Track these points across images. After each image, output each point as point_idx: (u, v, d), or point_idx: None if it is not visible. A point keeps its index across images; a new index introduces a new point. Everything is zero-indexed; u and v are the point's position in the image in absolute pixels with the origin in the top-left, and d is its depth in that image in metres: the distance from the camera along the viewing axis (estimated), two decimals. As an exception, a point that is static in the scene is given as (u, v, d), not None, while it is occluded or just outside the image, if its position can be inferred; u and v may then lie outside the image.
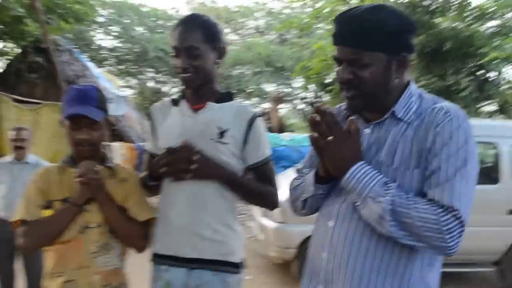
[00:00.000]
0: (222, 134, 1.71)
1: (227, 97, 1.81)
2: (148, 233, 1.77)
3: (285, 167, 6.47)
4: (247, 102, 20.51)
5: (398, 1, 9.69)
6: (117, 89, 9.34)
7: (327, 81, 12.01)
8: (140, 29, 18.39)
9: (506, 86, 10.08)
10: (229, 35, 22.33)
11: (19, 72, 8.34)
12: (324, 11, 11.06)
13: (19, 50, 9.21)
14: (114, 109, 6.78)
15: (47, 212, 1.67)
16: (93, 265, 1.66)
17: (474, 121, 6.71)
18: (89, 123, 1.65)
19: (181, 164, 1.63)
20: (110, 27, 17.85)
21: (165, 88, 20.96)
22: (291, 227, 4.52)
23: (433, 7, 9.88)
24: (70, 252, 1.65)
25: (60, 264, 1.66)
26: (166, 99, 1.92)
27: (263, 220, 4.94)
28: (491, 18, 9.91)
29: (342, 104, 1.48)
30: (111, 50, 18.19)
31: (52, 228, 1.63)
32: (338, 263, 1.29)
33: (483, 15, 9.78)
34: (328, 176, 1.34)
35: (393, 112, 1.30)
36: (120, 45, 18.35)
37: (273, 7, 22.67)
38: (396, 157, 1.26)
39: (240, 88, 19.48)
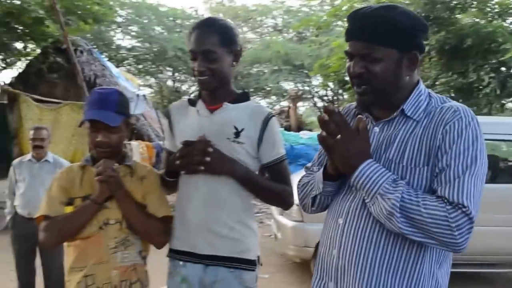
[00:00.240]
0: (238, 134, 1.74)
1: (243, 97, 1.83)
2: (167, 229, 1.81)
3: (303, 165, 6.43)
4: (265, 100, 20.54)
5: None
6: (136, 88, 9.45)
7: (346, 78, 11.94)
8: (158, 29, 18.49)
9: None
10: (247, 34, 22.36)
11: (40, 72, 8.51)
12: (343, 9, 11.01)
13: (39, 51, 9.41)
14: (133, 108, 6.87)
15: (69, 209, 1.73)
16: (111, 261, 1.71)
17: (498, 119, 6.52)
18: (107, 127, 1.70)
19: (196, 156, 1.66)
20: (129, 27, 18.00)
21: (183, 87, 21.11)
22: (309, 226, 4.45)
23: (454, 3, 9.74)
24: (90, 248, 1.70)
25: (80, 259, 1.72)
26: (184, 98, 1.96)
27: (280, 219, 4.91)
28: (513, 14, 9.74)
29: (352, 103, 1.50)
30: (130, 49, 18.34)
31: (73, 224, 1.69)
32: (348, 260, 1.31)
33: (505, 11, 9.60)
34: (337, 174, 1.35)
35: (402, 110, 1.31)
36: (138, 44, 18.51)
37: (291, 5, 22.64)
38: (405, 154, 1.27)
39: (258, 86, 19.49)
